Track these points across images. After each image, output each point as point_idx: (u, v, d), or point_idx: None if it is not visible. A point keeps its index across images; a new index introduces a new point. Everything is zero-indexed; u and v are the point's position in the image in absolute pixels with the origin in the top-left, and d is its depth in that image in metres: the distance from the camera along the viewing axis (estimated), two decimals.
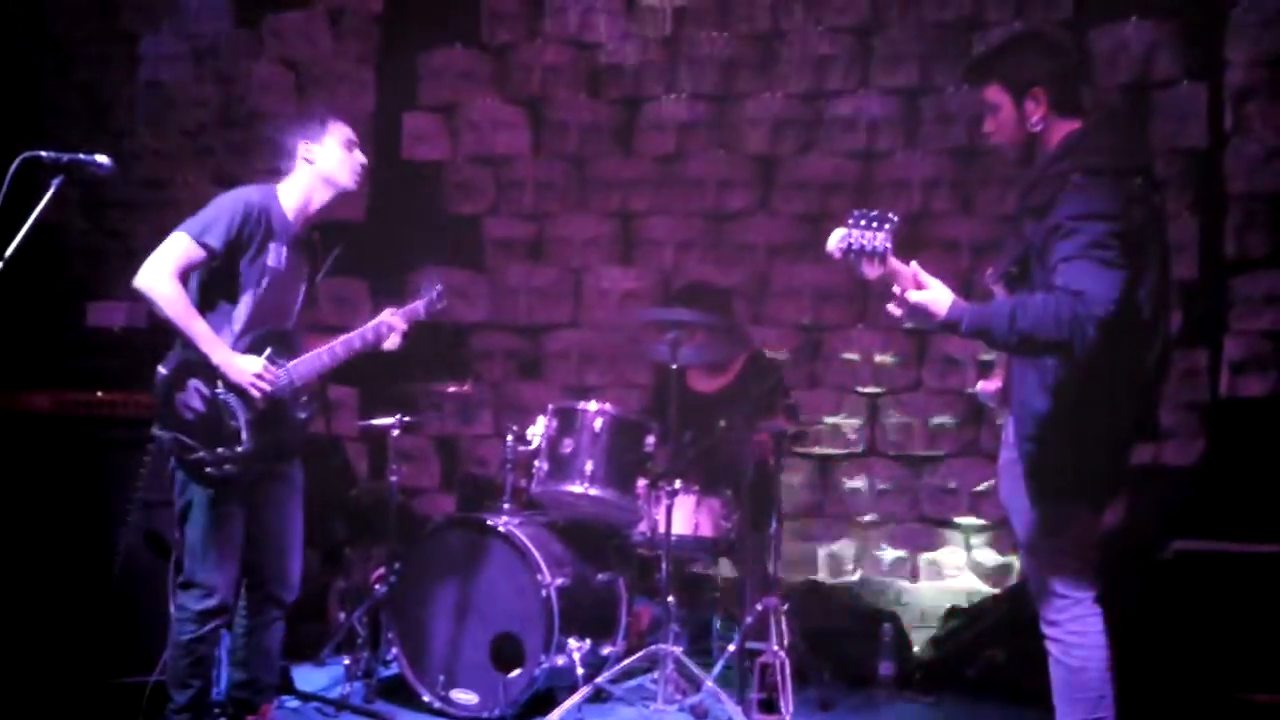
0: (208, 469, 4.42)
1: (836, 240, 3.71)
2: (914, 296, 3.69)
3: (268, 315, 4.57)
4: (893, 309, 3.75)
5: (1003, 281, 3.92)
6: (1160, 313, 3.84)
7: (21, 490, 5.17)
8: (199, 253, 4.42)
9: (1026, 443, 3.86)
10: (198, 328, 4.42)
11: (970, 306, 3.71)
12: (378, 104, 8.39)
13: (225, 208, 4.49)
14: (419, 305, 4.99)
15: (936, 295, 3.70)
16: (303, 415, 4.67)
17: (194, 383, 4.43)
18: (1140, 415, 3.89)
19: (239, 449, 4.46)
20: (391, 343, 4.85)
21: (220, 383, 4.44)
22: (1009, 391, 3.98)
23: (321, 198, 4.72)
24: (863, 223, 3.65)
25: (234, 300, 4.53)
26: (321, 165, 4.68)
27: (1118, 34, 7.07)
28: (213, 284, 4.51)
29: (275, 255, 4.57)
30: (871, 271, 3.70)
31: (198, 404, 4.43)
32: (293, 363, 4.59)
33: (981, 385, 4.21)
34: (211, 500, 4.46)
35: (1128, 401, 3.83)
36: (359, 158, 4.76)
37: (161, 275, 4.38)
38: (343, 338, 4.72)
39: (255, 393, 4.46)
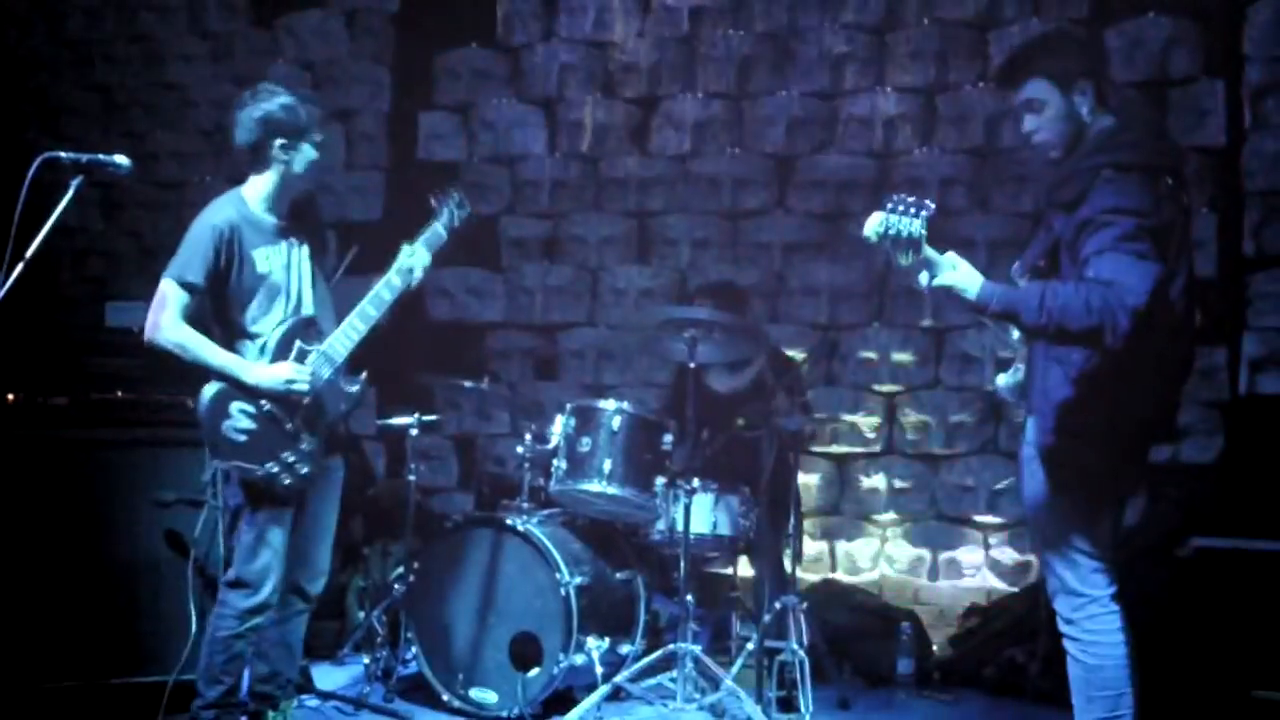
0: (283, 480, 4.47)
1: (874, 225, 3.69)
2: (944, 279, 3.70)
3: (281, 310, 4.59)
4: (920, 281, 3.76)
5: (1029, 275, 3.93)
6: (1187, 313, 3.84)
7: (42, 491, 5.19)
8: (186, 294, 4.45)
9: (1048, 436, 3.86)
10: (219, 359, 4.46)
11: (1000, 288, 3.72)
12: (393, 104, 8.42)
13: (197, 241, 4.48)
14: (438, 226, 4.92)
15: (966, 276, 3.72)
16: (353, 389, 4.69)
17: (236, 405, 4.46)
18: (1162, 415, 3.89)
19: (304, 447, 4.51)
20: (419, 275, 4.76)
21: (260, 398, 4.48)
22: (1029, 386, 3.97)
23: (290, 192, 4.67)
24: (900, 208, 3.64)
25: (243, 314, 4.56)
26: (295, 166, 4.61)
27: (1135, 30, 7.06)
28: (218, 307, 4.55)
29: (261, 260, 4.57)
30: (905, 261, 3.69)
31: (246, 424, 4.46)
32: (325, 344, 4.61)
33: (1001, 380, 4.20)
34: (269, 501, 4.50)
35: (1151, 400, 3.83)
36: (329, 153, 4.72)
37: (164, 327, 4.43)
38: (358, 306, 4.68)
39: (295, 396, 4.49)
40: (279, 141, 4.55)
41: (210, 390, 4.47)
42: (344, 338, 4.63)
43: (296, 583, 4.74)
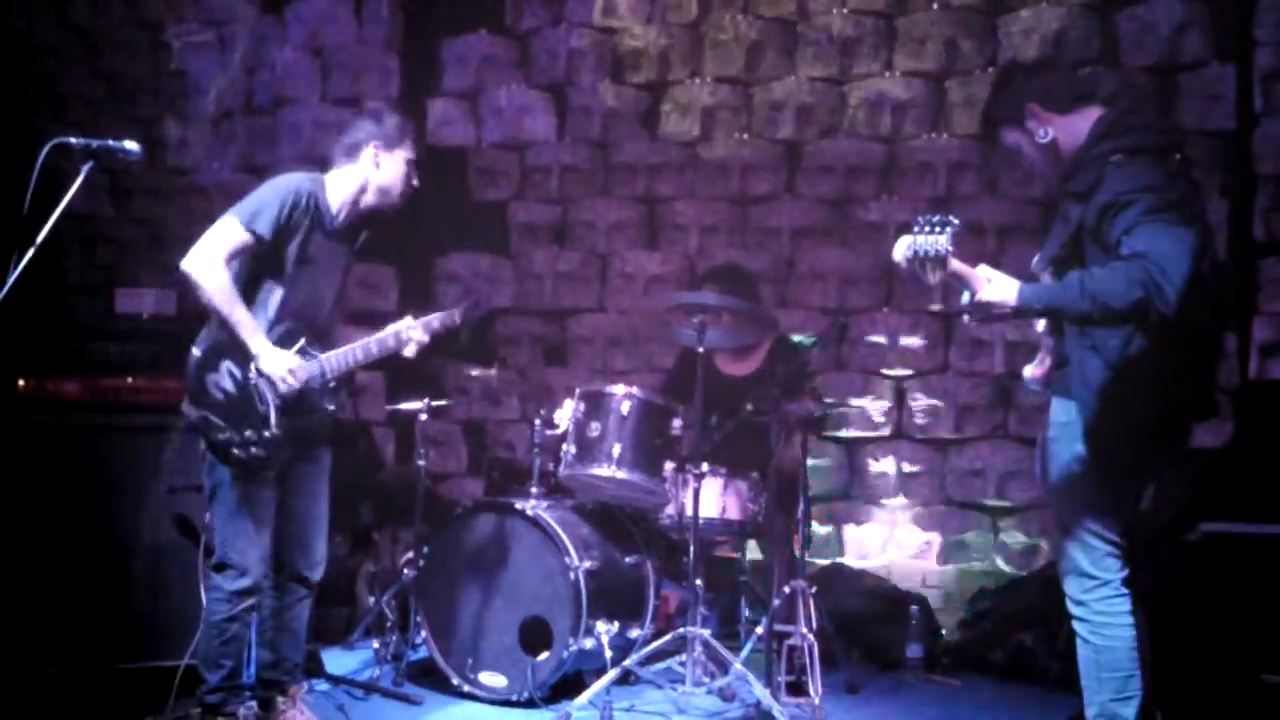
0: (234, 450, 4.47)
1: (903, 249, 3.73)
2: (983, 295, 3.75)
3: (302, 304, 4.61)
4: (967, 319, 3.85)
5: (1050, 267, 3.94)
6: (1216, 290, 3.86)
7: (52, 476, 5.20)
8: (248, 239, 4.45)
9: (1094, 425, 3.86)
10: (240, 315, 4.45)
11: (1038, 288, 3.78)
12: (402, 90, 8.42)
13: (276, 194, 4.52)
14: (455, 314, 4.99)
15: (1002, 287, 3.76)
16: (330, 406, 4.70)
17: (227, 364, 4.49)
18: (1198, 396, 3.91)
19: (266, 433, 4.50)
20: (411, 350, 4.84)
21: (253, 368, 4.48)
22: (1062, 376, 3.98)
23: (368, 201, 4.75)
24: (926, 228, 3.68)
25: (272, 286, 4.57)
26: (383, 174, 4.73)
27: (1145, 15, 7.03)
28: (253, 268, 4.55)
29: (316, 246, 4.61)
30: (933, 279, 3.73)
31: (229, 385, 4.48)
32: (325, 355, 4.62)
33: (1028, 371, 4.21)
34: (241, 481, 4.51)
35: (1188, 382, 3.84)
36: (413, 181, 4.82)
37: (210, 261, 4.41)
38: (365, 340, 4.74)
39: (283, 387, 4.50)
40: (375, 143, 4.69)
41: (210, 339, 4.52)
42: (342, 359, 4.67)
43: (296, 570, 4.77)
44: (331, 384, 4.66)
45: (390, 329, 4.82)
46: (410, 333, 4.81)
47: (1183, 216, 3.69)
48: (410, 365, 6.82)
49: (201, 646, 4.62)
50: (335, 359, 4.65)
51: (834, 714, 5.45)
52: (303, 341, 4.57)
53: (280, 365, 4.48)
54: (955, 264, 3.74)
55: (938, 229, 3.68)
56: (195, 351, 4.53)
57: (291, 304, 4.58)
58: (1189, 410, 3.97)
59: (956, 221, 3.69)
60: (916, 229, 3.71)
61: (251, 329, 4.46)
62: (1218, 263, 3.95)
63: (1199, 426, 4.11)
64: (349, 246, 4.80)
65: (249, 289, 4.54)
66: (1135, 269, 3.57)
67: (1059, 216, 4.02)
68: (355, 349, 4.70)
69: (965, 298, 3.83)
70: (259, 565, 4.57)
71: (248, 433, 4.48)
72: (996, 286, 3.77)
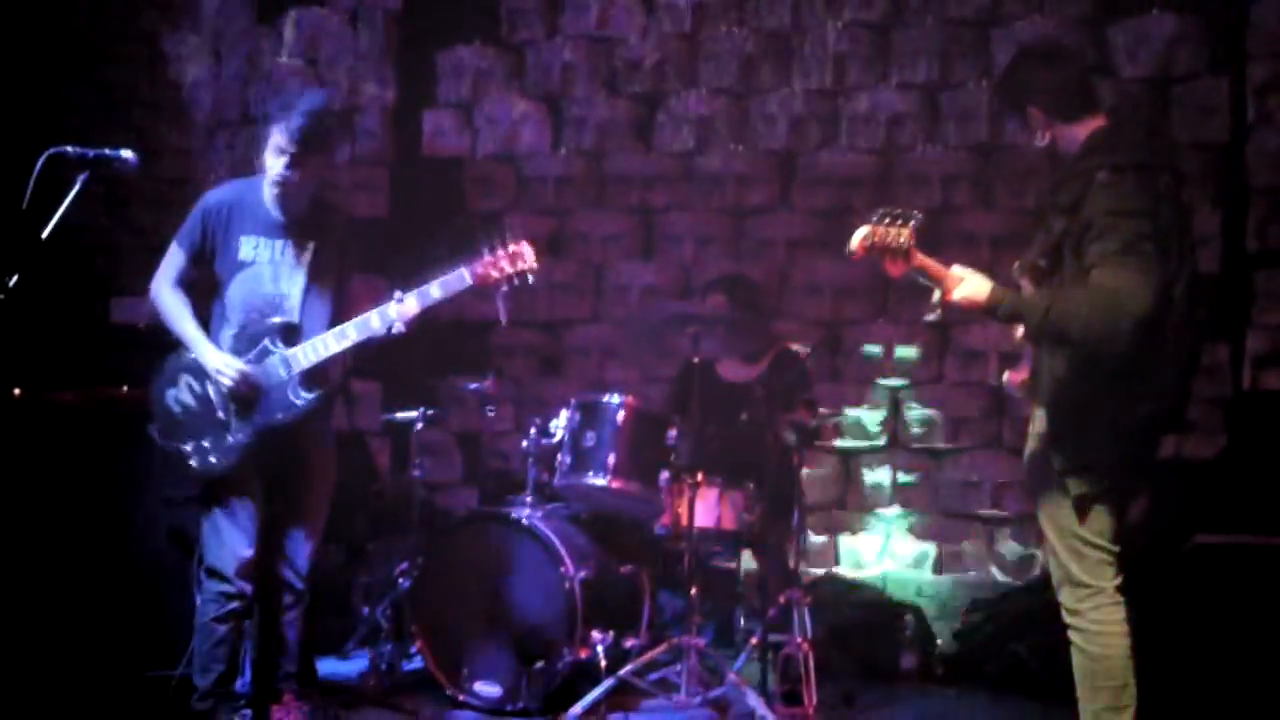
0: (190, 461, 4.57)
1: (859, 238, 3.77)
2: (957, 294, 3.78)
3: (252, 305, 4.63)
4: (931, 314, 3.88)
5: (1029, 275, 3.96)
6: (1192, 308, 3.87)
7: (48, 485, 5.20)
8: (182, 258, 4.67)
9: (1058, 430, 3.89)
10: (187, 330, 4.63)
11: (1010, 295, 3.83)
12: (397, 101, 8.42)
13: (194, 211, 4.70)
14: (464, 274, 4.92)
15: (974, 286, 3.80)
16: (300, 400, 4.64)
17: (186, 379, 4.62)
18: (1171, 408, 3.92)
19: (228, 439, 4.56)
20: (399, 327, 4.72)
21: (208, 379, 4.57)
22: (1037, 382, 4.00)
23: (290, 191, 4.68)
24: (886, 220, 3.71)
25: (223, 294, 4.68)
26: (268, 169, 4.68)
27: (1138, 27, 7.06)
28: (204, 281, 4.69)
29: (247, 248, 4.65)
30: (895, 269, 3.77)
31: (188, 398, 4.61)
32: (290, 350, 4.61)
33: (1008, 376, 4.22)
34: (217, 489, 4.56)
35: (1159, 394, 3.85)
36: (278, 165, 4.62)
37: (160, 285, 4.69)
38: (344, 325, 4.68)
39: (224, 382, 4.54)
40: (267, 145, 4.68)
41: (170, 357, 4.65)
42: (313, 349, 4.64)
43: (282, 578, 4.78)
44: (300, 377, 4.64)
45: (372, 310, 4.74)
46: (393, 309, 4.68)
47: (1158, 245, 3.73)
48: (406, 375, 6.87)
49: (194, 651, 4.67)
50: (305, 349, 4.63)
51: None
52: (265, 343, 4.61)
53: (214, 362, 4.56)
54: (921, 258, 3.77)
55: (899, 221, 3.71)
56: (160, 368, 4.67)
57: (237, 306, 4.64)
58: (1158, 423, 3.97)
59: (919, 215, 3.73)
60: (876, 220, 3.75)
61: (198, 341, 4.61)
62: (1199, 278, 3.96)
63: (1192, 437, 4.14)
64: (304, 243, 4.74)
65: (207, 300, 4.70)
66: (1099, 311, 3.65)
67: (1043, 225, 4.04)
68: (327, 336, 4.66)
69: (936, 296, 3.86)
70: (238, 573, 4.60)
71: (204, 441, 4.55)
72: (969, 285, 3.81)
